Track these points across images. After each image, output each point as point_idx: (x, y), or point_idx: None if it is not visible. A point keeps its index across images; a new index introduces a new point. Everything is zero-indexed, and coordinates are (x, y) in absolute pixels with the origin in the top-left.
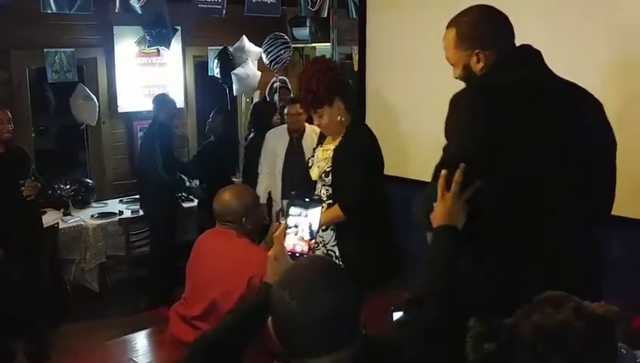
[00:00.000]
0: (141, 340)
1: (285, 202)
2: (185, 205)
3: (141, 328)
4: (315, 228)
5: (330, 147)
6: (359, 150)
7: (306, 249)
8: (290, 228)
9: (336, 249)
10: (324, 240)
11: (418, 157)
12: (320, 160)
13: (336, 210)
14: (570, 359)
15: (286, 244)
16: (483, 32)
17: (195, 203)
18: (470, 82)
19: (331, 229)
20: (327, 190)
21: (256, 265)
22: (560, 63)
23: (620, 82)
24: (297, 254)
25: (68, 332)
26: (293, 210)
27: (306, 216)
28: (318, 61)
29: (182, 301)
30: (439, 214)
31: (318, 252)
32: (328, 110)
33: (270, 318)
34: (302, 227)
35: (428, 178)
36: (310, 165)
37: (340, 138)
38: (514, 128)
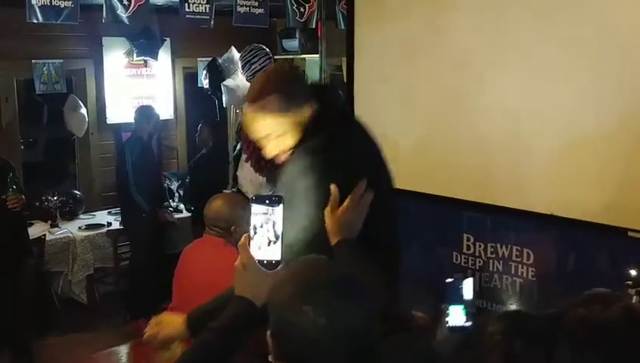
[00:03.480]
0: (128, 352)
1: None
2: (177, 216)
3: (129, 340)
4: (278, 228)
5: None
6: None
7: (277, 255)
8: (255, 230)
9: None
10: None
11: (407, 167)
12: None
13: None
14: (612, 357)
15: (253, 252)
16: None
17: (185, 213)
18: None
19: None
20: None
21: None
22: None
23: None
24: (265, 261)
25: (55, 344)
26: (255, 208)
27: (270, 215)
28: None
29: (169, 311)
30: (333, 230)
31: None
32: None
33: (274, 337)
34: (267, 227)
35: (416, 188)
36: None
37: None
38: None
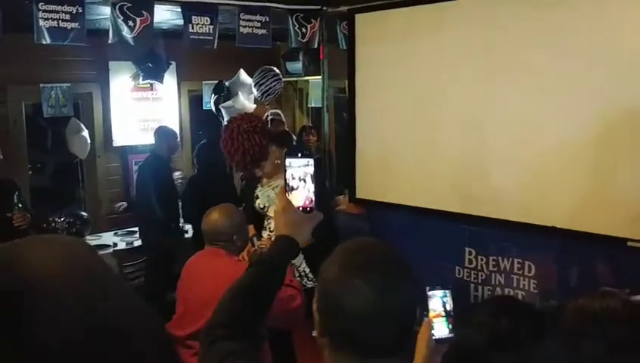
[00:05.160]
0: None
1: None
2: (187, 236)
3: None
4: (310, 177)
5: (277, 183)
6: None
7: (312, 202)
8: (292, 180)
9: (307, 270)
10: (294, 263)
11: (407, 183)
12: (273, 199)
13: None
14: (610, 345)
15: (296, 202)
16: None
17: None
18: None
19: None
20: None
21: None
22: None
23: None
24: (300, 208)
25: None
26: (289, 161)
27: (303, 166)
28: (241, 122)
29: (174, 322)
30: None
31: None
32: (268, 161)
33: (320, 311)
34: (300, 177)
35: (416, 203)
36: (263, 206)
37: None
38: None
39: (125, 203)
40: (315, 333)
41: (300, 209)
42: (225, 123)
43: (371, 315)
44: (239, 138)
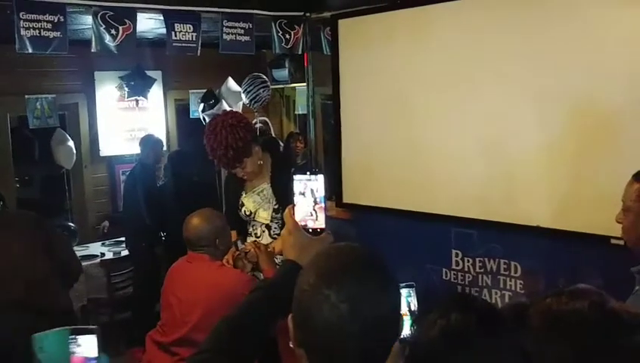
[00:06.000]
0: None
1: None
2: None
3: None
4: (319, 194)
5: (261, 186)
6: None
7: (321, 223)
8: (297, 196)
9: None
10: None
11: (394, 186)
12: (260, 203)
13: None
14: (572, 350)
15: (297, 218)
16: None
17: None
18: None
19: None
20: (280, 225)
21: (232, 286)
22: None
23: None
24: (310, 229)
25: None
26: (297, 178)
27: (311, 184)
28: (225, 117)
29: (158, 328)
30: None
31: None
32: (250, 159)
33: (295, 321)
34: (309, 196)
35: (403, 206)
36: (249, 213)
37: (268, 173)
38: None
39: (107, 223)
40: (291, 344)
41: (310, 231)
42: (209, 120)
43: (343, 328)
44: (222, 131)
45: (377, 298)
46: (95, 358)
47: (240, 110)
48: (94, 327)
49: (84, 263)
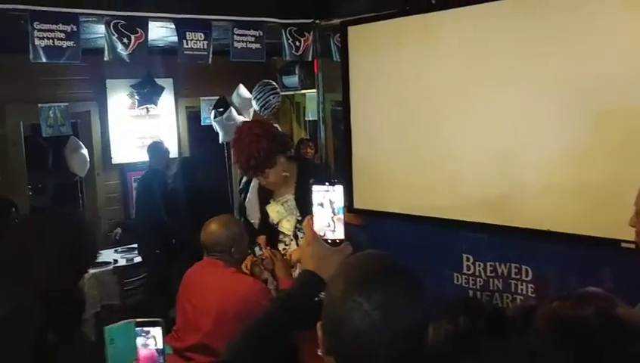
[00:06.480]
0: None
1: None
2: None
3: None
4: (337, 205)
5: (285, 197)
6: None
7: (340, 234)
8: (315, 207)
9: None
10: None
11: (404, 192)
12: (283, 214)
13: None
14: (579, 353)
15: (316, 229)
16: None
17: None
18: None
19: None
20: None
21: (246, 293)
22: None
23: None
24: (329, 240)
25: None
26: (316, 188)
27: (329, 193)
28: (253, 125)
29: (173, 334)
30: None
31: None
32: (273, 170)
33: (324, 329)
34: (328, 207)
35: (413, 211)
36: (275, 222)
37: (293, 184)
38: None
39: (119, 230)
40: (319, 352)
41: (329, 242)
42: (237, 125)
43: (374, 335)
44: (246, 139)
45: (406, 305)
46: (161, 349)
47: (250, 117)
48: (159, 319)
49: (96, 270)
